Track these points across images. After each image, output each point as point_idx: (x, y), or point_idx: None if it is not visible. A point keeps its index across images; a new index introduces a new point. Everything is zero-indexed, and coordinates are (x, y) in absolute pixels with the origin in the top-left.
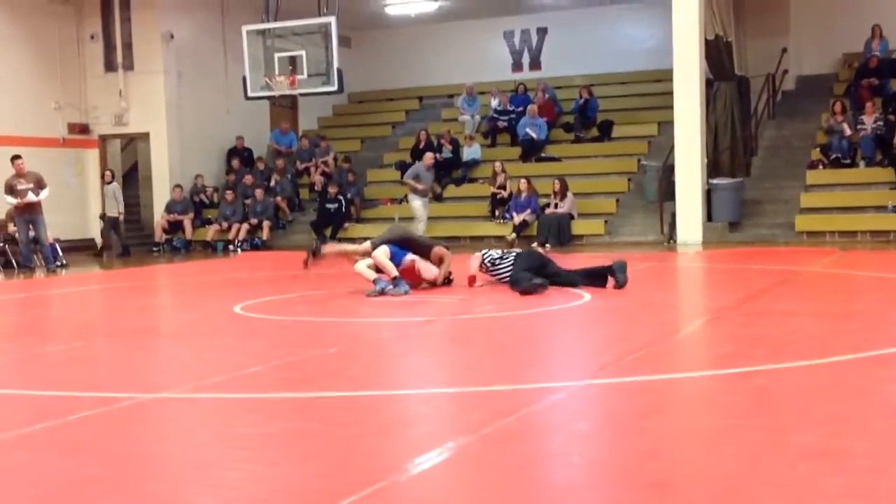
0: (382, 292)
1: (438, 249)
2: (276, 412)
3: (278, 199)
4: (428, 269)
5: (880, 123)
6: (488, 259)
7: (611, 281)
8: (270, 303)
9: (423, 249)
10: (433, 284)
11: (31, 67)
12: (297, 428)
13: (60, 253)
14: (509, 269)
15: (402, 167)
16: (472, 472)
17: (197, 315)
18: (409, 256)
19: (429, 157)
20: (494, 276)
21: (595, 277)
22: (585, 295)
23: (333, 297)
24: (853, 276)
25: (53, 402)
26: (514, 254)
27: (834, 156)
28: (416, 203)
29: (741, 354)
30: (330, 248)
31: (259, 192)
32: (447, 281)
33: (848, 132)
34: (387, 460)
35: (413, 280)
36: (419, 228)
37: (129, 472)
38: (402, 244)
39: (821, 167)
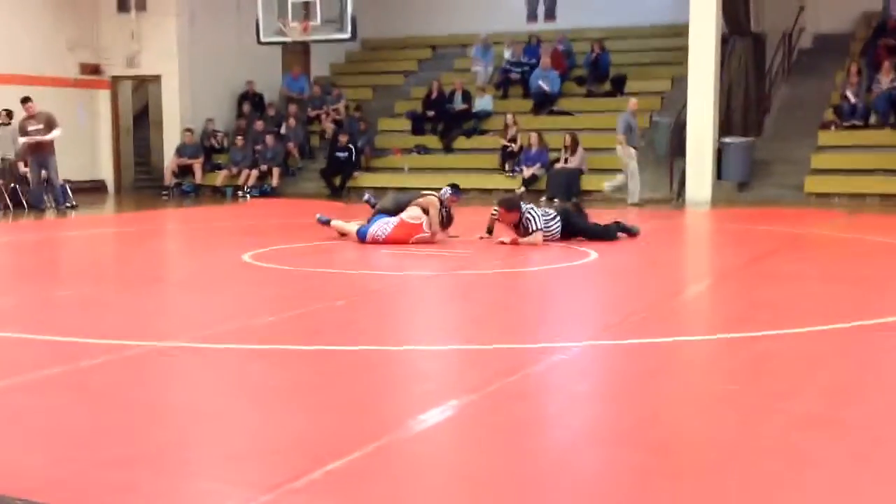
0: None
1: (421, 200)
2: (283, 364)
3: (289, 145)
4: (416, 219)
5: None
6: (539, 216)
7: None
8: (279, 252)
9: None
10: (435, 237)
11: (44, 6)
12: (303, 380)
13: (71, 194)
14: (557, 225)
15: (414, 117)
16: (473, 431)
17: (206, 263)
18: (395, 218)
19: (633, 102)
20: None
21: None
22: (592, 253)
23: (341, 247)
24: (861, 240)
25: (64, 347)
26: (553, 212)
27: (847, 121)
28: (631, 160)
29: (745, 318)
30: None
31: (269, 139)
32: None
33: (853, 100)
34: (391, 416)
35: (409, 236)
36: (635, 186)
37: (138, 420)
38: (395, 212)
39: (833, 128)
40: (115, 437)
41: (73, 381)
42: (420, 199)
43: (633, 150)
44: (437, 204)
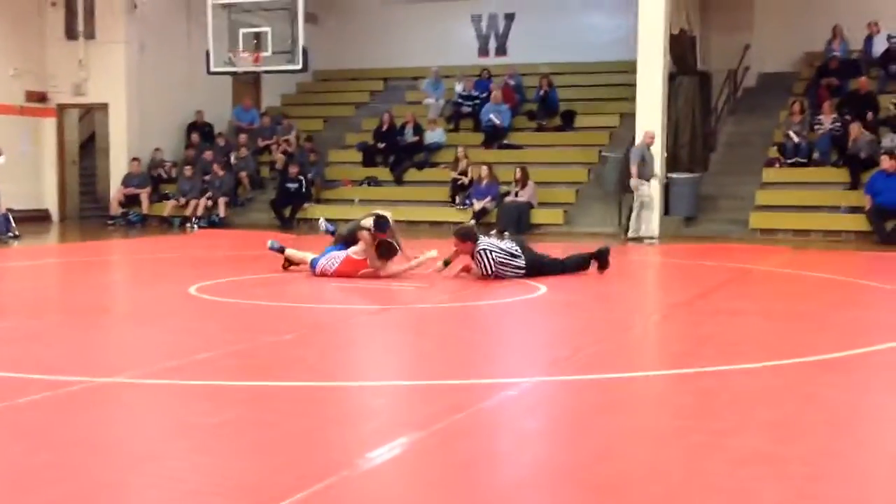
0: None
1: (358, 234)
2: (229, 401)
3: (240, 175)
4: (361, 254)
5: (837, 124)
6: (495, 255)
7: (593, 265)
8: (226, 284)
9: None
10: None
11: None
12: (249, 418)
13: (14, 224)
14: (522, 263)
15: (365, 149)
16: (422, 469)
17: (151, 295)
18: (343, 253)
19: (648, 134)
20: (501, 269)
21: (581, 263)
22: (541, 287)
23: (291, 280)
24: (803, 277)
25: (2, 383)
26: (512, 244)
27: (790, 158)
28: (644, 188)
29: (690, 354)
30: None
31: (218, 169)
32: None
33: (795, 140)
34: (338, 455)
35: (355, 271)
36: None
37: (78, 460)
38: (348, 241)
39: (777, 165)
40: (53, 478)
41: (9, 419)
42: (359, 233)
43: (647, 183)
44: (369, 239)
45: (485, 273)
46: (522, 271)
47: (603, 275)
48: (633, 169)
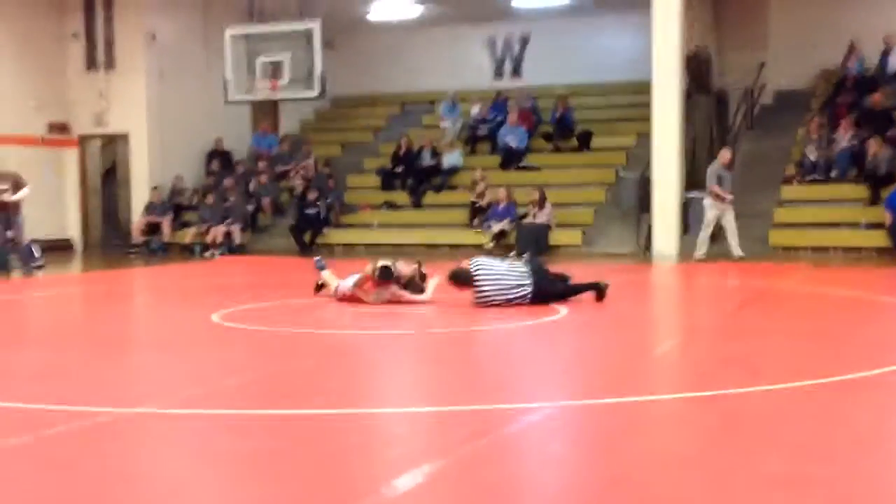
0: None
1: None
2: (252, 430)
3: (262, 202)
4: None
5: (855, 141)
6: (492, 293)
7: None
8: (248, 311)
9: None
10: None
11: (12, 64)
12: (272, 447)
13: (38, 254)
14: (525, 292)
15: (383, 173)
16: (446, 496)
17: (174, 324)
18: (346, 282)
19: (724, 155)
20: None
21: (580, 290)
22: (562, 309)
23: (312, 306)
24: (825, 294)
25: (29, 415)
26: (522, 273)
27: (809, 176)
28: (726, 213)
29: (713, 376)
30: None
31: (238, 195)
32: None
33: (813, 157)
34: (361, 483)
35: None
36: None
37: (104, 491)
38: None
39: (795, 182)
40: None
41: (36, 451)
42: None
43: (724, 202)
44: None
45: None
46: (527, 299)
47: (618, 296)
48: (714, 188)
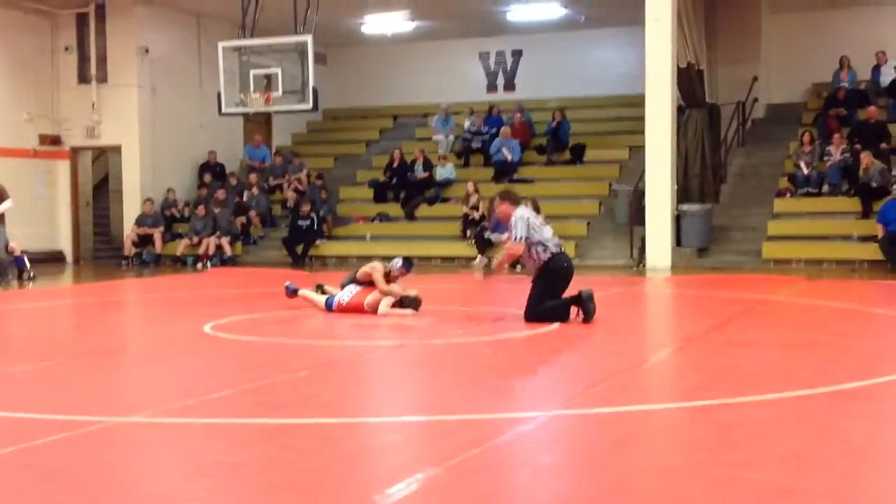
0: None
1: (364, 269)
2: (245, 439)
3: (251, 213)
4: (362, 294)
5: (847, 155)
6: (531, 227)
7: (574, 312)
8: (240, 322)
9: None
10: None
11: (4, 77)
12: (266, 456)
13: (28, 265)
14: (547, 256)
15: (376, 185)
16: None
17: (167, 334)
18: (347, 291)
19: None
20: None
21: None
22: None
23: (305, 317)
24: (818, 307)
25: (21, 424)
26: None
27: (801, 189)
28: None
29: (706, 387)
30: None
31: (230, 208)
32: (412, 303)
33: (805, 171)
34: (355, 492)
35: (360, 308)
36: None
37: (97, 500)
38: (353, 282)
39: (788, 195)
40: None
41: (28, 460)
42: (364, 269)
43: None
44: (380, 267)
45: (514, 239)
46: (543, 260)
47: (611, 308)
48: None
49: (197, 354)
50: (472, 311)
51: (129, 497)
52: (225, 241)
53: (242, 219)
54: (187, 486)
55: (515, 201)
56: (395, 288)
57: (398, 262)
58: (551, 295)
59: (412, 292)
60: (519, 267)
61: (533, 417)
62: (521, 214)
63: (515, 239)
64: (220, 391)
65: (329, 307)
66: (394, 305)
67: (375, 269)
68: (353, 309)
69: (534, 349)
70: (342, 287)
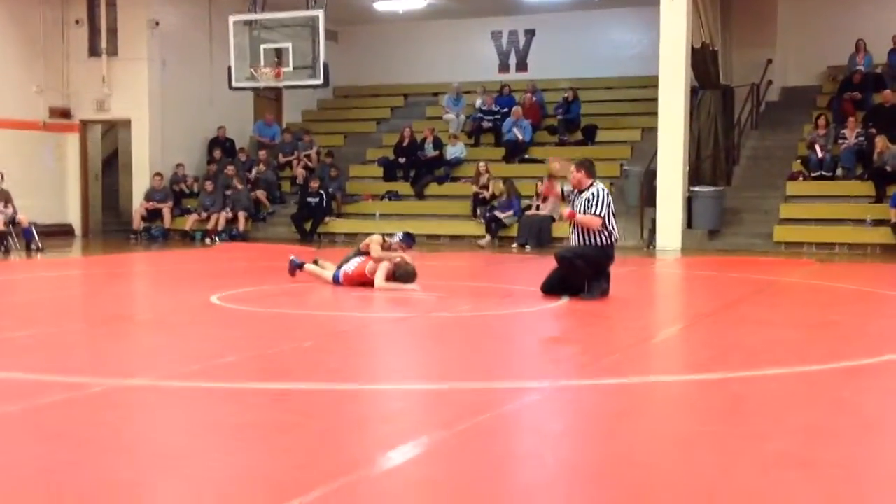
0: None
1: (363, 244)
2: (250, 403)
3: (259, 191)
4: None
5: (862, 138)
6: (603, 202)
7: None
8: (248, 294)
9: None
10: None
11: (14, 50)
12: (271, 419)
13: (37, 237)
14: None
15: (385, 164)
16: (443, 468)
17: (173, 304)
18: (353, 262)
19: None
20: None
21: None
22: (563, 296)
23: (311, 289)
24: (829, 288)
25: (24, 385)
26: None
27: (815, 172)
28: None
29: (717, 360)
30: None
31: (237, 182)
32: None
33: (819, 154)
34: (359, 454)
35: (364, 280)
36: None
37: (100, 459)
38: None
39: (801, 179)
40: (76, 477)
41: (31, 420)
42: (365, 241)
43: None
44: (378, 238)
45: (594, 213)
46: (602, 244)
47: (621, 287)
48: None
49: (203, 323)
50: (481, 287)
51: (133, 456)
52: (242, 215)
53: (254, 194)
54: (191, 445)
55: (593, 174)
56: (388, 255)
57: (398, 236)
58: (592, 274)
59: (407, 257)
60: (528, 247)
61: (541, 387)
62: (606, 192)
63: (596, 213)
64: (226, 358)
65: (336, 280)
66: (388, 279)
67: (373, 240)
68: (357, 278)
69: (542, 323)
70: (346, 262)
